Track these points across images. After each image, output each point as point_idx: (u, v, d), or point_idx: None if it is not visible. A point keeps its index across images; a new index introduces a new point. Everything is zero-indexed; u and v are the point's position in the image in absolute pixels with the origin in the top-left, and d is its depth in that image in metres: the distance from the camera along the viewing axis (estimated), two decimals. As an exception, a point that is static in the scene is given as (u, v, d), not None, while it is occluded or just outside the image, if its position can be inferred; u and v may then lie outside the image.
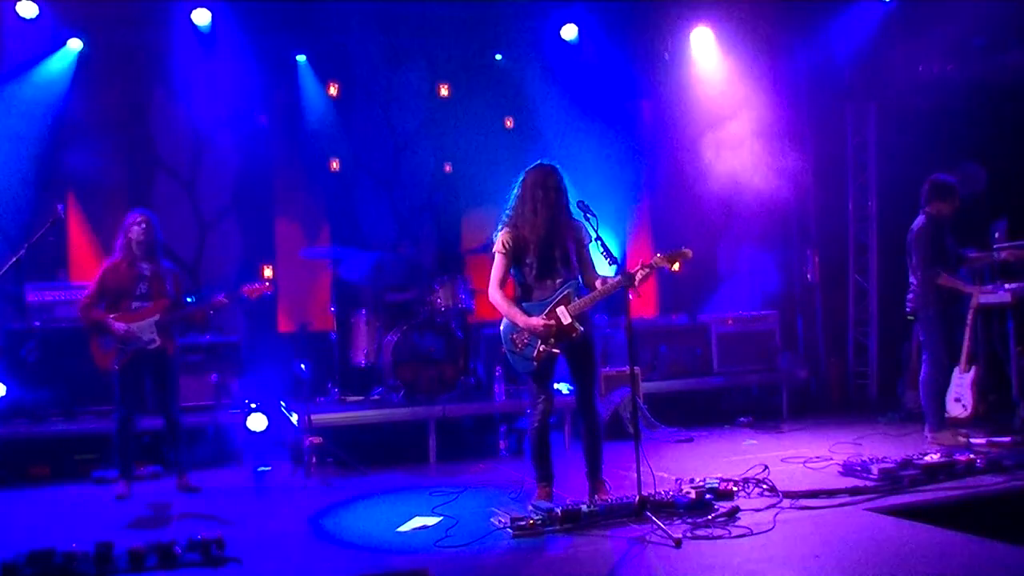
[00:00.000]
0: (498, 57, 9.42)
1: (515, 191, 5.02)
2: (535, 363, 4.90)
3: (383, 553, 4.38)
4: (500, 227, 5.05)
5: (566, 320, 4.83)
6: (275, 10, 8.49)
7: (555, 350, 4.86)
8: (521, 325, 4.88)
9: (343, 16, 8.77)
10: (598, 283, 4.92)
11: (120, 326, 5.88)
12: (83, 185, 8.38)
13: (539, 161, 5.10)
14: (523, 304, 4.95)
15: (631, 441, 4.68)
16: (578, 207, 4.87)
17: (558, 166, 4.99)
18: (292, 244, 8.85)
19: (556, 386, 5.53)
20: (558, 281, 4.93)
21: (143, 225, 5.99)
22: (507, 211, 5.06)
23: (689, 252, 4.86)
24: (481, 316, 8.17)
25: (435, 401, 7.24)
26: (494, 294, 4.99)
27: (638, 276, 4.73)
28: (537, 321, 4.83)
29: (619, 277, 4.73)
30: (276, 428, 7.09)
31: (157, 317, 5.94)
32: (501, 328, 5.08)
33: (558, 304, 4.88)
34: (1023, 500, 4.91)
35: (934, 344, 6.47)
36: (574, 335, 4.86)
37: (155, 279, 6.03)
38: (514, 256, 4.97)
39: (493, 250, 5.05)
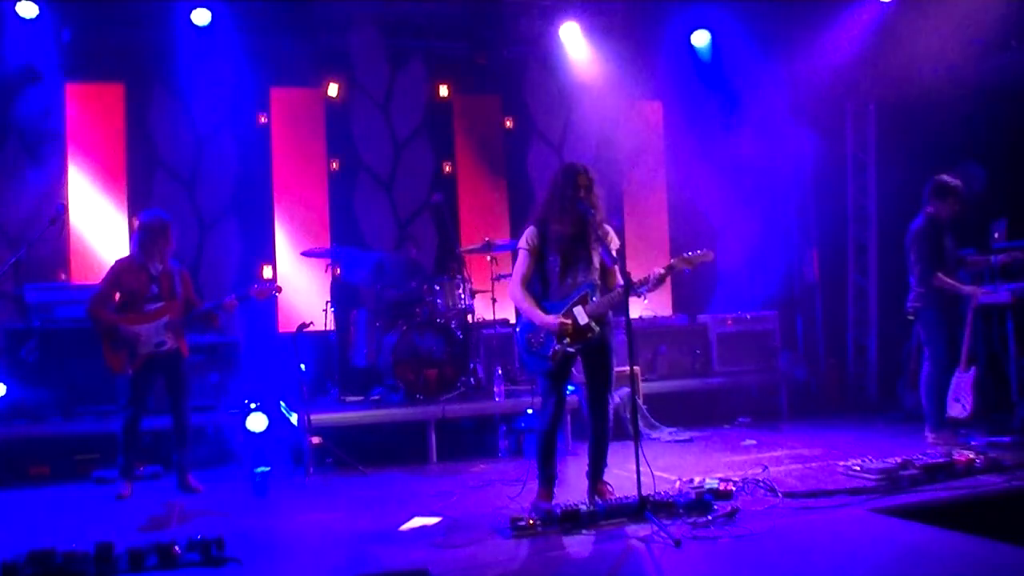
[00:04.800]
0: (498, 57, 9.41)
1: (547, 189, 5.02)
2: (551, 362, 4.87)
3: (383, 553, 4.38)
4: (527, 225, 5.04)
5: (583, 320, 4.81)
6: (275, 10, 8.49)
7: (571, 350, 4.84)
8: (537, 323, 4.86)
9: (343, 16, 8.77)
10: (618, 286, 4.87)
11: (132, 330, 5.86)
12: (84, 184, 8.39)
13: (569, 162, 5.11)
14: (542, 303, 4.93)
15: (631, 441, 4.67)
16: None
17: (589, 167, 4.97)
18: (292, 244, 8.85)
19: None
20: (579, 280, 4.90)
21: (162, 229, 5.95)
22: (536, 208, 5.07)
23: (710, 255, 4.88)
24: (481, 316, 8.18)
25: (435, 401, 7.23)
26: (515, 291, 4.96)
27: (656, 278, 4.74)
28: (553, 320, 4.80)
29: (637, 281, 4.72)
30: (276, 428, 7.10)
31: (168, 318, 5.94)
32: (517, 327, 5.06)
33: (575, 304, 4.86)
34: (1023, 500, 4.92)
35: (934, 344, 6.47)
36: (590, 336, 4.83)
37: (165, 279, 6.02)
38: (538, 254, 4.95)
39: (517, 246, 5.04)
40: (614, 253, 4.89)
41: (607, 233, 4.93)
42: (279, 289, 6.17)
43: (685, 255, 4.87)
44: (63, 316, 7.27)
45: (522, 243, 5.00)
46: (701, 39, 9.34)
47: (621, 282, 4.78)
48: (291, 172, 9.05)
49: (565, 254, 4.91)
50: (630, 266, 4.83)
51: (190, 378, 6.21)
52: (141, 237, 5.98)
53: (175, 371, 6.04)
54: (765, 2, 8.84)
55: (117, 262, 6.06)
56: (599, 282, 4.94)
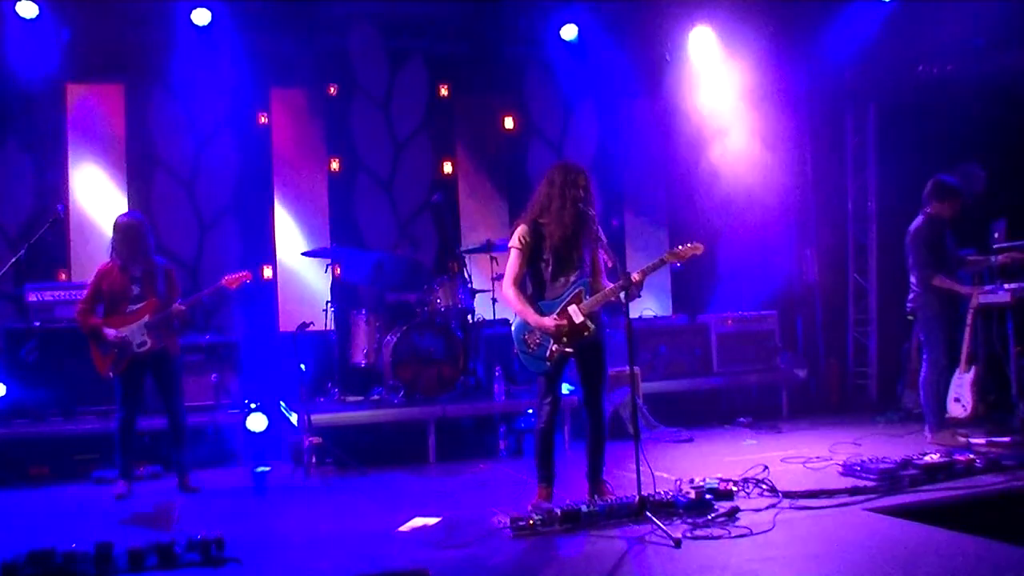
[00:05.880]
0: (498, 57, 9.41)
1: (542, 188, 4.99)
2: (549, 363, 4.87)
3: (383, 553, 4.38)
4: (519, 223, 5.02)
5: (578, 319, 4.81)
6: (275, 10, 8.48)
7: (568, 349, 4.83)
8: (533, 324, 4.86)
9: (343, 16, 8.76)
10: (609, 284, 4.90)
11: (111, 332, 5.87)
12: (84, 184, 8.39)
13: (564, 160, 5.11)
14: (536, 302, 4.92)
15: (631, 441, 4.67)
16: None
17: (585, 169, 4.96)
18: (292, 244, 8.85)
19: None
20: (572, 280, 4.90)
21: (129, 229, 5.96)
22: (529, 207, 5.02)
23: (699, 247, 4.87)
24: (481, 316, 8.18)
25: (435, 401, 7.23)
26: (508, 291, 4.94)
27: (647, 272, 4.76)
28: (549, 321, 4.81)
29: (629, 276, 4.73)
30: (276, 428, 7.10)
31: (147, 318, 5.94)
32: (513, 328, 5.05)
33: (569, 303, 4.86)
34: (1023, 500, 4.92)
35: (934, 344, 6.47)
36: (586, 334, 4.84)
37: (147, 279, 6.02)
38: (531, 253, 4.94)
39: (509, 245, 5.01)
40: (608, 252, 4.90)
41: (598, 233, 4.93)
42: (249, 276, 6.19)
43: (674, 249, 4.89)
44: (63, 316, 7.27)
45: (514, 242, 4.96)
46: (702, 38, 9.33)
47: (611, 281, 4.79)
48: (291, 172, 9.04)
49: (559, 253, 4.90)
50: (630, 266, 4.84)
51: (181, 377, 6.21)
52: (113, 239, 6.01)
53: (163, 370, 6.04)
54: (766, 2, 8.83)
55: (98, 267, 6.09)
56: (591, 280, 4.95)
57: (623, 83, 9.40)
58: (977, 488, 5.03)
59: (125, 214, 6.22)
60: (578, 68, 9.31)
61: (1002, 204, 7.76)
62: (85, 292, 6.08)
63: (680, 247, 4.89)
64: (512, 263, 4.96)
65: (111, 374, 5.92)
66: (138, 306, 5.96)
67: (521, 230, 4.96)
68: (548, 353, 4.84)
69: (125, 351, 5.88)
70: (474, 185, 9.59)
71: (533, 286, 5.00)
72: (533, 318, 4.85)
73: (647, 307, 9.01)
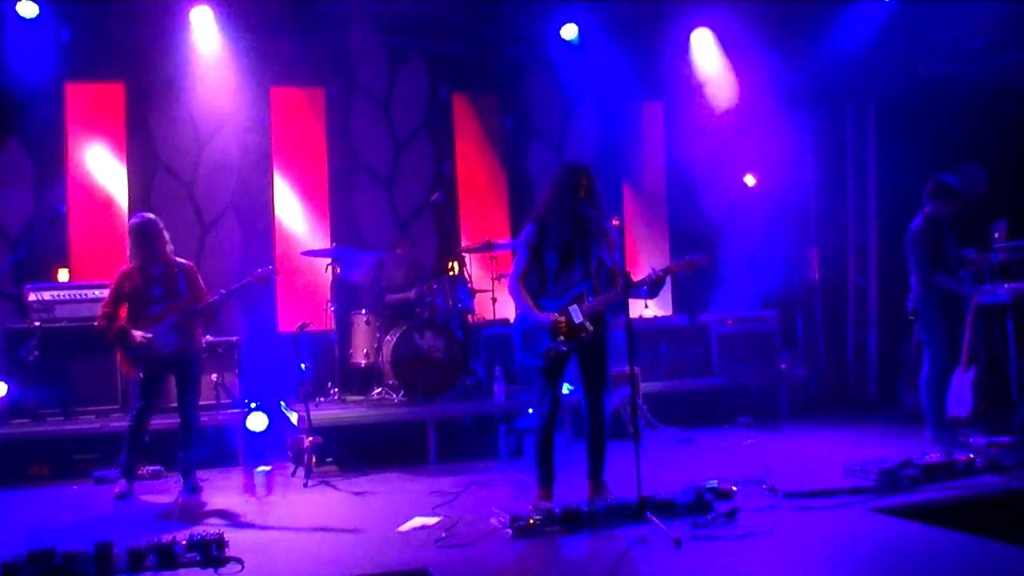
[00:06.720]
0: (498, 57, 9.42)
1: (547, 187, 5.06)
2: (544, 360, 4.90)
3: (383, 553, 4.38)
4: (527, 222, 5.09)
5: (577, 319, 4.83)
6: (275, 10, 8.48)
7: (563, 348, 4.86)
8: (531, 321, 4.89)
9: (343, 16, 8.76)
10: (614, 285, 4.92)
11: (137, 335, 5.86)
12: (84, 184, 8.39)
13: (570, 160, 5.17)
14: (539, 300, 4.96)
15: (631, 441, 4.67)
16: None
17: (590, 167, 4.99)
18: (292, 244, 8.85)
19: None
20: (575, 279, 4.93)
21: (141, 230, 5.96)
22: (537, 206, 5.11)
23: (705, 259, 4.90)
24: (481, 316, 8.18)
25: (435, 401, 7.24)
26: (512, 286, 5.01)
27: (652, 280, 4.79)
28: (547, 317, 4.84)
29: (636, 281, 4.75)
30: (276, 428, 7.10)
31: (171, 319, 5.94)
32: (513, 323, 5.11)
33: (571, 303, 4.88)
34: (1023, 500, 4.92)
35: (935, 344, 6.47)
36: (584, 335, 4.85)
37: (167, 280, 6.01)
38: (537, 252, 4.98)
39: (518, 242, 5.09)
40: (614, 253, 4.91)
41: (606, 233, 4.95)
42: (278, 272, 6.21)
43: (682, 260, 4.91)
44: (63, 316, 7.27)
45: (521, 240, 5.05)
46: (702, 38, 9.33)
47: (619, 282, 4.80)
48: (291, 172, 9.04)
49: (562, 253, 4.94)
50: (631, 266, 4.85)
51: (199, 377, 6.23)
52: (128, 243, 6.01)
53: (185, 370, 6.05)
54: (766, 2, 8.84)
55: (118, 271, 6.08)
56: (596, 282, 4.95)
57: (623, 83, 9.40)
58: (977, 488, 5.04)
59: (136, 216, 6.17)
60: (578, 68, 9.31)
61: (1002, 204, 7.77)
62: (105, 297, 6.08)
63: (688, 258, 4.89)
64: (518, 260, 5.04)
65: (140, 374, 5.95)
66: (161, 307, 5.95)
67: (528, 229, 5.02)
68: (545, 350, 4.87)
69: (151, 352, 5.89)
70: (474, 185, 9.59)
71: (538, 284, 5.03)
72: (533, 314, 4.89)
73: (647, 307, 9.01)
